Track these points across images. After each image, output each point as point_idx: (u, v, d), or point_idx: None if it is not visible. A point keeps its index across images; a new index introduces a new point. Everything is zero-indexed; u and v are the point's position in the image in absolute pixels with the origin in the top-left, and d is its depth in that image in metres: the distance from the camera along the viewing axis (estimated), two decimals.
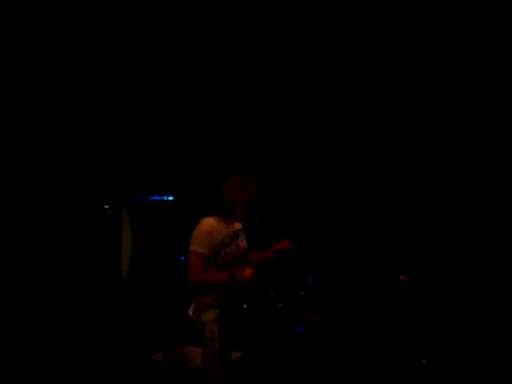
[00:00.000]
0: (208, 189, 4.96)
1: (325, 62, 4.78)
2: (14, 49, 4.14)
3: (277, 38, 4.60)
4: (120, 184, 5.21)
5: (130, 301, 4.90)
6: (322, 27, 4.47)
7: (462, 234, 4.49)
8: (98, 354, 4.06)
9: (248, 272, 2.78)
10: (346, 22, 4.40)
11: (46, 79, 4.46)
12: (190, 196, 5.40)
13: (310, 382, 2.80)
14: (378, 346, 3.02)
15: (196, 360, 3.15)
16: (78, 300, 4.58)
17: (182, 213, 5.31)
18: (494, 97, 4.31)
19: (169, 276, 5.08)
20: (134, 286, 5.04)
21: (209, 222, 2.89)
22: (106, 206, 5.07)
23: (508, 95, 4.23)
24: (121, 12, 4.27)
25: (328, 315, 2.97)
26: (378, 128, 4.92)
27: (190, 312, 2.94)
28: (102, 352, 4.10)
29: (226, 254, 2.89)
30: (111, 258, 5.03)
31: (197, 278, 2.81)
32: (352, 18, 4.37)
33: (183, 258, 4.95)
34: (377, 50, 4.57)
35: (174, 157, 5.43)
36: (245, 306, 2.82)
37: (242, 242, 3.04)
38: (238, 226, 3.05)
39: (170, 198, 5.39)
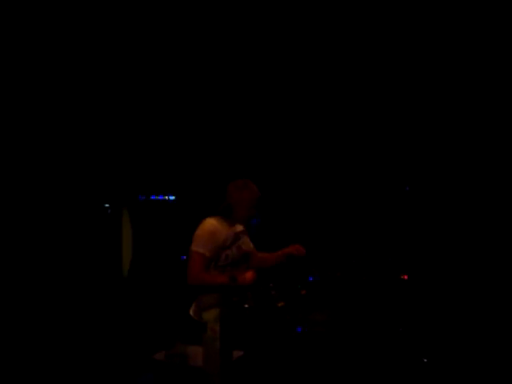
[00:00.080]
0: (210, 189, 4.97)
1: (327, 62, 4.77)
2: (14, 48, 4.14)
3: (279, 38, 4.60)
4: (121, 183, 5.21)
5: (131, 300, 4.89)
6: (322, 27, 4.47)
7: (463, 234, 4.49)
8: (100, 353, 4.06)
9: (249, 275, 2.80)
10: (345, 21, 4.40)
11: (46, 78, 4.45)
12: (191, 196, 5.40)
13: (311, 380, 2.79)
14: (380, 345, 3.02)
15: (197, 359, 3.14)
16: (78, 299, 4.58)
17: (183, 213, 5.31)
18: (494, 97, 4.31)
19: (170, 275, 5.08)
20: (135, 285, 5.04)
21: (211, 223, 2.90)
22: (107, 205, 5.07)
23: (508, 95, 4.23)
24: (121, 12, 4.27)
25: (329, 314, 2.96)
26: (377, 128, 4.92)
27: (191, 312, 2.94)
28: (103, 351, 4.10)
29: (226, 256, 2.90)
30: (112, 257, 5.03)
31: (197, 278, 2.82)
32: (352, 18, 4.36)
33: (185, 258, 4.95)
34: (377, 50, 4.57)
35: (176, 156, 5.42)
36: (246, 305, 2.82)
37: (244, 244, 3.05)
38: (239, 227, 3.05)
39: (172, 198, 5.39)
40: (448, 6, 4.08)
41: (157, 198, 5.35)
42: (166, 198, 5.40)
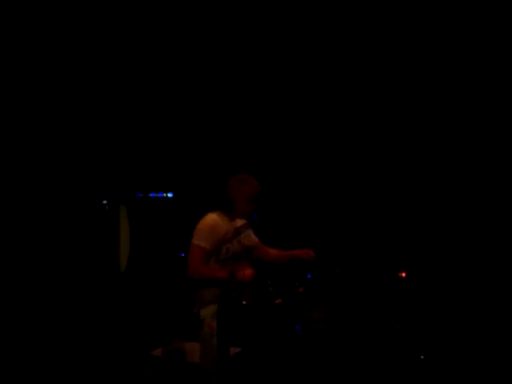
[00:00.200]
0: (208, 186, 4.97)
1: (326, 59, 4.77)
2: (14, 47, 4.13)
3: (279, 36, 4.59)
4: (119, 180, 5.20)
5: (129, 296, 4.89)
6: (322, 27, 4.47)
7: (461, 231, 4.49)
8: (97, 349, 4.06)
9: (248, 273, 2.81)
10: (345, 21, 4.39)
11: (45, 76, 4.44)
12: (189, 193, 5.40)
13: (308, 378, 2.79)
14: (377, 343, 3.02)
15: (194, 356, 3.16)
16: (75, 296, 4.57)
17: (181, 210, 5.31)
18: (494, 97, 4.31)
19: (168, 272, 5.08)
20: (132, 281, 5.04)
21: (212, 218, 2.93)
22: (105, 202, 5.06)
23: (508, 95, 4.23)
24: (120, 12, 4.27)
25: (327, 312, 2.96)
26: (375, 125, 4.92)
27: (195, 308, 2.96)
28: (100, 347, 4.10)
29: (227, 250, 2.93)
30: (109, 253, 5.02)
31: (196, 271, 2.84)
32: (352, 17, 4.36)
33: (183, 255, 4.97)
34: (377, 50, 4.57)
35: (174, 154, 5.42)
36: (244, 302, 2.82)
37: (246, 238, 3.07)
38: (241, 222, 3.08)
39: (170, 195, 5.39)
40: (448, 6, 4.08)
41: (156, 195, 5.35)
42: (164, 195, 5.39)
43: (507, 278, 4.15)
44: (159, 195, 5.37)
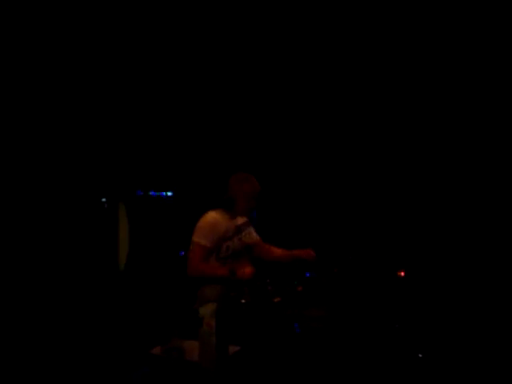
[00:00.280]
0: (207, 185, 4.97)
1: (327, 58, 4.77)
2: (14, 46, 4.13)
3: (279, 36, 4.59)
4: (118, 178, 5.20)
5: (128, 295, 4.89)
6: (322, 27, 4.47)
7: (460, 230, 4.49)
8: (96, 347, 4.06)
9: (248, 271, 2.83)
10: (345, 21, 4.39)
11: (44, 75, 4.44)
12: (188, 192, 5.39)
13: (307, 376, 2.80)
14: (376, 341, 3.03)
15: (193, 354, 3.16)
16: (74, 294, 4.57)
17: (181, 208, 5.31)
18: (494, 97, 4.31)
19: (167, 270, 5.08)
20: (131, 279, 5.04)
21: (212, 216, 2.95)
22: (104, 199, 5.06)
23: (508, 95, 4.24)
24: (120, 11, 4.27)
25: (326, 310, 2.97)
26: (374, 125, 4.92)
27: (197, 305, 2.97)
28: (99, 346, 4.10)
29: (227, 248, 2.94)
30: (108, 251, 5.02)
31: (196, 269, 2.86)
32: (352, 17, 4.36)
33: (183, 254, 4.97)
34: (377, 49, 4.57)
35: (174, 152, 5.41)
36: (242, 300, 2.83)
37: (247, 237, 3.08)
38: (241, 220, 3.09)
39: (169, 194, 5.39)
40: (448, 6, 4.08)
41: (157, 194, 5.35)
42: (164, 193, 5.39)
43: (506, 276, 4.15)
44: (161, 194, 5.37)
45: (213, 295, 2.91)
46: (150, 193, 5.35)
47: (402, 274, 3.49)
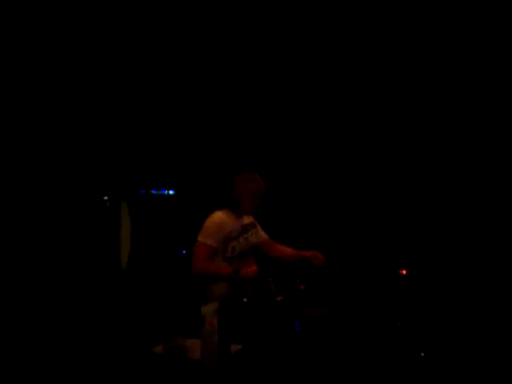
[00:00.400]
0: (210, 184, 4.97)
1: (329, 57, 4.76)
2: (14, 46, 4.13)
3: (281, 35, 4.59)
4: (120, 176, 5.20)
5: (130, 293, 4.90)
6: (322, 26, 4.46)
7: (461, 229, 4.49)
8: (98, 346, 4.07)
9: (252, 270, 2.84)
10: (346, 21, 4.39)
11: (45, 74, 4.44)
12: (191, 190, 5.40)
13: (309, 375, 2.80)
14: (378, 340, 3.03)
15: (195, 353, 3.16)
16: (76, 292, 4.58)
17: (182, 207, 5.32)
18: (494, 97, 4.30)
19: (169, 269, 5.09)
20: (133, 278, 5.05)
21: (218, 216, 2.97)
22: (106, 198, 5.06)
23: (508, 95, 4.23)
24: (120, 11, 4.26)
25: (328, 309, 2.97)
26: (376, 124, 4.91)
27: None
28: (101, 344, 4.10)
29: (233, 248, 2.96)
30: (110, 249, 5.03)
31: (200, 268, 2.88)
32: (352, 17, 4.35)
33: (184, 253, 4.99)
34: (377, 49, 4.56)
35: (176, 151, 5.41)
36: (245, 299, 2.84)
37: (253, 236, 3.09)
38: (247, 219, 3.11)
39: (171, 192, 5.40)
40: (448, 6, 4.07)
41: (159, 192, 5.35)
42: (166, 192, 5.39)
43: (507, 275, 4.15)
44: (162, 192, 5.37)
45: (221, 293, 2.92)
46: (152, 191, 5.35)
47: (404, 272, 3.49)
